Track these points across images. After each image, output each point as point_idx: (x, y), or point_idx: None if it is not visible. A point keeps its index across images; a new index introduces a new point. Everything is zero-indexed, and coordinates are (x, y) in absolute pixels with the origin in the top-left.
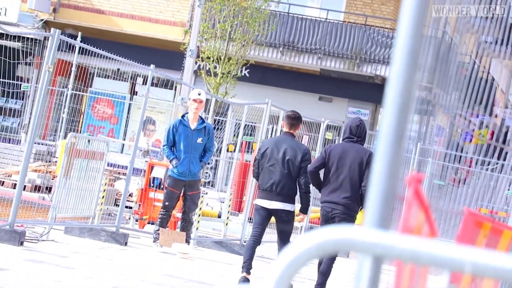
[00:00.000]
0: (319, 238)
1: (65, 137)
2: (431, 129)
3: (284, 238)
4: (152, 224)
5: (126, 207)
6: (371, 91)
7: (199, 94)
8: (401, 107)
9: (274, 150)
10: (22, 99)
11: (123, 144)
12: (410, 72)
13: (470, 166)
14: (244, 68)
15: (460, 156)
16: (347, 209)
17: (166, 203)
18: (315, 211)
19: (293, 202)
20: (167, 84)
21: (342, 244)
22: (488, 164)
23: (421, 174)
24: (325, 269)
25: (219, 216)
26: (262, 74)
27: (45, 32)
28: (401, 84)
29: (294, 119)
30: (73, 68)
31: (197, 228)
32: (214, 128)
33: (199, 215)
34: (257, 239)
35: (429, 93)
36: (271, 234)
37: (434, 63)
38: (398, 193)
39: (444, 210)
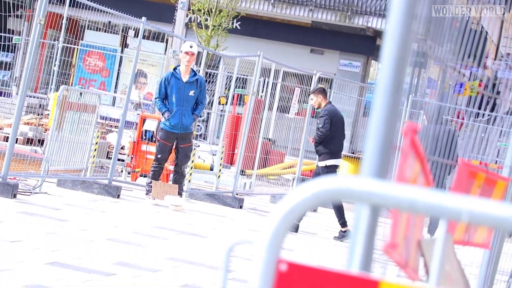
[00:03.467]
0: (316, 188)
1: (56, 90)
2: (423, 81)
3: None
4: (144, 176)
5: (119, 160)
6: (362, 43)
7: (191, 47)
8: (398, 59)
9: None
10: (13, 52)
11: (115, 97)
12: (406, 24)
13: (463, 118)
14: (235, 20)
15: (454, 108)
16: None
17: (159, 156)
18: (306, 163)
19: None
20: (158, 37)
21: (340, 193)
22: (482, 116)
23: (416, 124)
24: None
25: (211, 169)
26: (253, 26)
27: None
28: (398, 36)
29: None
30: (64, 21)
31: (189, 181)
32: (206, 81)
33: (191, 168)
34: None
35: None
36: (262, 187)
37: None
38: (394, 144)
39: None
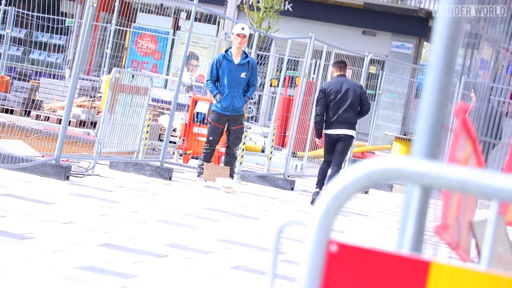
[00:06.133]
0: (367, 169)
1: (109, 72)
2: (475, 63)
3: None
4: (196, 159)
5: (170, 142)
6: (414, 24)
7: (243, 29)
8: (449, 39)
9: (338, 91)
10: (66, 35)
11: (167, 80)
12: (459, 3)
13: None
14: (287, 2)
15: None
16: None
17: (210, 138)
18: (358, 145)
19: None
20: (210, 19)
21: (391, 173)
22: None
23: (468, 104)
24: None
25: (263, 151)
26: (305, 8)
27: None
28: (450, 17)
29: (342, 62)
30: (117, 4)
31: (240, 163)
32: (258, 63)
33: (243, 150)
34: (328, 164)
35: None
36: (313, 169)
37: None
38: (445, 125)
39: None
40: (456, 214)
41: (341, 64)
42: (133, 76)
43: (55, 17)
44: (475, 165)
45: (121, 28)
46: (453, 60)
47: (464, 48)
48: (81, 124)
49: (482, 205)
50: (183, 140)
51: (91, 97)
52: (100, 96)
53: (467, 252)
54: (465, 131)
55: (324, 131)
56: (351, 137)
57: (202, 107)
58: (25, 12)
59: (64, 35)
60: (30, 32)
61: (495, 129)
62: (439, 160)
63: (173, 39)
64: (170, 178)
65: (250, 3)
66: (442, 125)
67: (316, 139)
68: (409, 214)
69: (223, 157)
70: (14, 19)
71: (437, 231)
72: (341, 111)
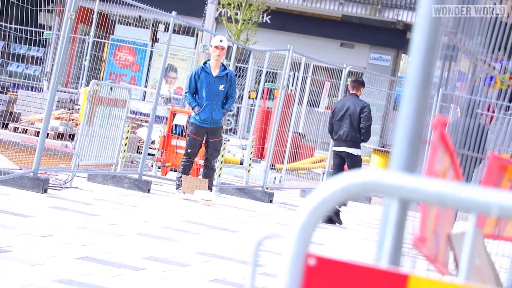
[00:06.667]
0: (345, 182)
1: (87, 84)
2: (453, 75)
3: None
4: (174, 171)
5: (149, 154)
6: (392, 36)
7: (221, 41)
8: (427, 52)
9: (341, 108)
10: (44, 47)
11: (145, 92)
12: (436, 17)
13: (493, 112)
14: (265, 14)
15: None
16: None
17: (189, 150)
18: None
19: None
20: (188, 31)
21: (369, 187)
22: None
23: (446, 118)
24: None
25: (241, 163)
26: (283, 20)
27: None
28: (427, 29)
29: (356, 82)
30: (95, 16)
31: (219, 175)
32: (236, 75)
33: (222, 162)
34: None
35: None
36: (292, 181)
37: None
38: (423, 138)
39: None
40: (434, 227)
41: (353, 84)
42: (111, 88)
43: (33, 29)
44: (453, 178)
45: (99, 40)
46: (430, 73)
47: (441, 60)
48: (59, 136)
49: (460, 218)
50: (162, 152)
51: (69, 110)
52: (78, 109)
53: (445, 265)
54: (443, 144)
55: (333, 149)
56: (353, 155)
57: (181, 120)
58: (3, 24)
59: (42, 47)
60: (8, 44)
61: (480, 143)
62: (417, 173)
63: (151, 51)
64: (148, 191)
65: (229, 15)
66: (420, 138)
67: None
68: (387, 227)
69: (201, 170)
70: None
71: (415, 244)
72: (341, 130)
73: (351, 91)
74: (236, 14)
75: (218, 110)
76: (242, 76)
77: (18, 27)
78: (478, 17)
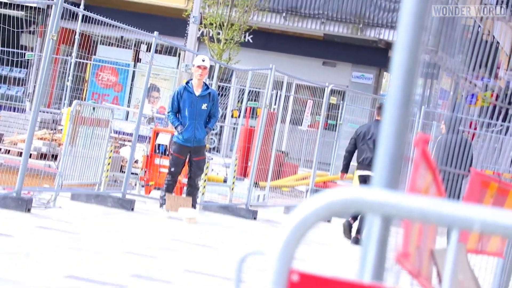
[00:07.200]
0: (328, 199)
1: (70, 105)
2: (435, 92)
3: None
4: (158, 189)
5: (132, 173)
6: (374, 55)
7: (203, 61)
8: (407, 71)
9: (366, 133)
10: (26, 68)
11: (128, 112)
12: (416, 36)
13: (475, 129)
14: (247, 34)
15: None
16: None
17: (172, 169)
18: (320, 175)
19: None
20: (170, 51)
21: (351, 204)
22: (495, 126)
23: (427, 135)
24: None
25: (225, 181)
26: (265, 39)
27: (48, 0)
28: (408, 48)
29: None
30: (77, 36)
31: (203, 193)
32: (219, 94)
33: (205, 181)
34: None
35: (435, 55)
36: (275, 199)
37: (439, 26)
38: (405, 155)
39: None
40: (417, 242)
41: (379, 111)
42: (94, 108)
43: (15, 50)
44: (435, 194)
45: (82, 60)
46: (411, 91)
47: (423, 78)
48: (42, 156)
49: (444, 232)
50: (145, 171)
51: (52, 130)
52: (61, 129)
53: (429, 280)
54: (425, 161)
55: (360, 173)
56: None
57: (164, 139)
58: None
59: (24, 68)
60: None
61: (466, 160)
62: (400, 190)
63: (133, 71)
64: (132, 209)
65: (211, 35)
66: (402, 156)
67: (340, 173)
68: (370, 243)
69: (185, 188)
70: None
71: (398, 259)
72: (365, 154)
73: (376, 117)
74: (218, 33)
75: (201, 129)
76: (225, 95)
77: (0, 48)
78: (458, 35)
